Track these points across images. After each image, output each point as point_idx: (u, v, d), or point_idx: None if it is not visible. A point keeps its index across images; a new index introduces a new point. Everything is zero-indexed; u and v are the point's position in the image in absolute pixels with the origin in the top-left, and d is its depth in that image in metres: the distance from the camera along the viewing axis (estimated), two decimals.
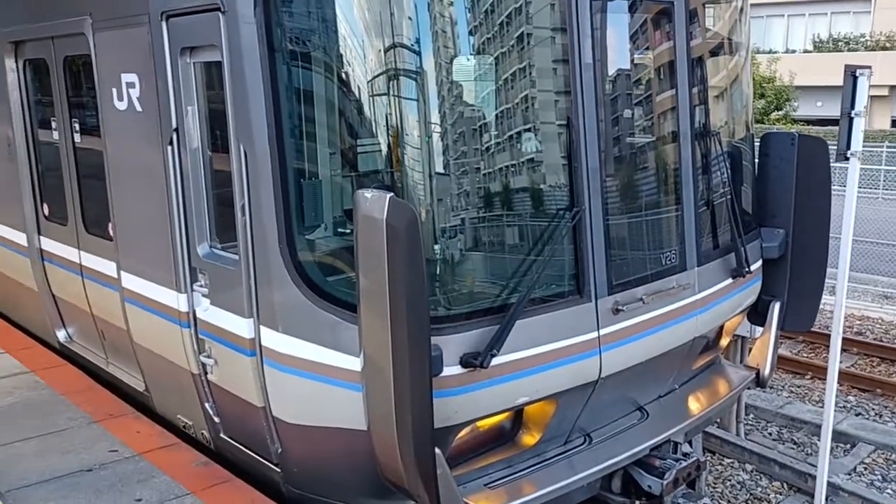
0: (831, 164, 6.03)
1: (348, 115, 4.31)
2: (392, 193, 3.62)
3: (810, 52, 36.02)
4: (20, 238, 6.93)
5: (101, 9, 5.23)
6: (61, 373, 6.58)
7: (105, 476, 4.88)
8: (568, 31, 4.42)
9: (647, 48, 5.08)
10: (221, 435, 5.11)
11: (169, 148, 4.75)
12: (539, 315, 4.37)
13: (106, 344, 6.29)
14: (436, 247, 4.19)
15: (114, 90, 5.18)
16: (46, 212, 6.65)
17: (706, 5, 5.58)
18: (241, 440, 4.95)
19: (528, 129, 4.50)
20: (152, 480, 4.82)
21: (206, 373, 4.97)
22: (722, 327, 5.97)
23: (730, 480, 8.09)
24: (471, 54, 4.35)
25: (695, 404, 5.76)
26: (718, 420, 8.30)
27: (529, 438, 4.77)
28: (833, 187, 6.08)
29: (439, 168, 4.23)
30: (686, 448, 5.72)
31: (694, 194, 5.21)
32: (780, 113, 31.62)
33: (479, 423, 4.50)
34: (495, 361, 4.13)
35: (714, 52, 5.71)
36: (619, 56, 4.86)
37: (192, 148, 4.70)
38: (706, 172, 5.46)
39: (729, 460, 8.41)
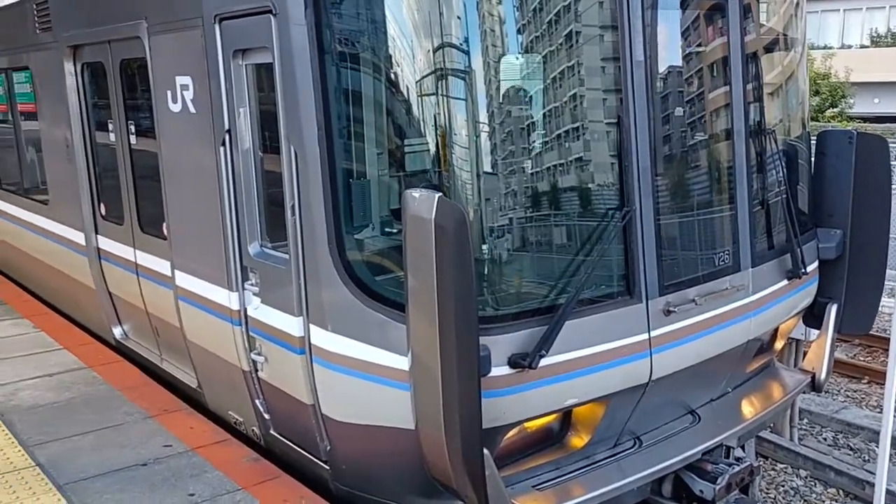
0: (891, 163, 5.84)
1: (397, 115, 4.32)
2: (440, 193, 3.61)
3: (867, 47, 34.92)
4: (78, 237, 7.13)
5: (157, 13, 5.34)
6: (117, 369, 6.75)
7: (159, 470, 4.98)
8: (619, 28, 4.36)
9: (700, 44, 4.98)
10: (271, 431, 5.18)
11: (221, 149, 4.83)
12: (588, 316, 4.32)
13: (160, 341, 6.43)
14: (484, 246, 4.17)
15: (168, 92, 5.29)
16: (103, 211, 6.83)
17: (760, 0, 5.45)
18: (291, 437, 5.01)
19: (578, 128, 4.45)
20: (204, 475, 4.90)
21: (256, 370, 5.04)
22: (776, 330, 5.82)
23: (783, 486, 7.90)
24: (519, 53, 4.32)
25: (748, 408, 5.63)
26: (772, 424, 8.10)
27: (578, 440, 4.72)
28: (893, 186, 5.89)
29: (488, 168, 4.22)
30: (739, 452, 5.59)
31: (748, 193, 5.10)
32: (836, 110, 30.77)
33: (527, 424, 4.47)
34: (544, 362, 4.09)
35: (769, 48, 5.57)
36: (670, 53, 4.78)
37: (244, 149, 4.77)
38: (761, 171, 5.33)
39: (782, 465, 8.21)
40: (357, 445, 4.53)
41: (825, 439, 8.81)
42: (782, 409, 6.34)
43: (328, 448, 4.67)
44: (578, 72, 4.40)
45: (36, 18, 7.24)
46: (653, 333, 4.57)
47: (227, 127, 4.79)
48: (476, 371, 3.73)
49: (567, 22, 4.33)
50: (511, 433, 4.37)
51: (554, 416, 4.56)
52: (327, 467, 4.76)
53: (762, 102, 5.39)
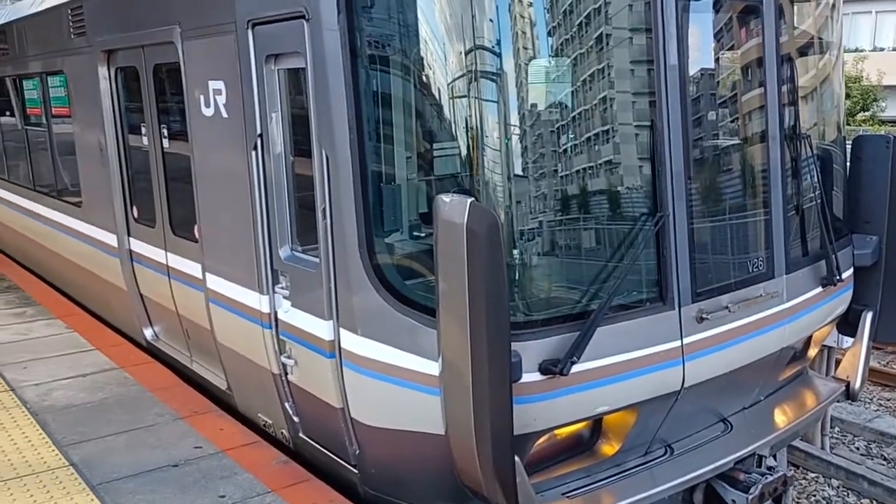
0: None
1: (428, 118, 4.32)
2: (473, 198, 3.60)
3: None
4: (111, 239, 7.21)
5: (190, 18, 5.40)
6: (148, 370, 6.82)
7: (190, 472, 5.02)
8: (653, 31, 4.32)
9: (734, 48, 4.92)
10: (300, 434, 5.19)
11: (253, 153, 4.86)
12: (620, 322, 4.28)
13: (190, 343, 6.49)
14: (515, 251, 4.15)
15: (201, 97, 5.34)
16: (136, 214, 6.91)
17: (795, 2, 5.37)
18: (320, 440, 5.03)
19: (611, 132, 4.41)
20: (235, 477, 4.93)
21: (286, 373, 5.06)
22: (810, 337, 5.73)
23: (815, 496, 7.76)
24: (551, 56, 4.30)
25: (781, 417, 5.55)
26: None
27: (609, 448, 4.67)
28: None
29: (520, 171, 4.20)
30: (771, 462, 5.50)
31: (783, 199, 5.02)
32: (867, 114, 30.25)
33: (557, 431, 4.43)
34: (575, 369, 4.06)
35: (803, 51, 5.50)
36: (704, 57, 4.73)
37: (276, 153, 4.80)
38: (795, 176, 5.25)
39: (813, 475, 8.07)
40: (386, 450, 4.53)
41: (857, 448, 8.65)
42: (816, 418, 6.23)
43: (357, 452, 4.68)
44: (611, 75, 4.37)
45: (71, 23, 7.36)
46: (685, 341, 4.51)
47: (258, 131, 4.82)
48: (507, 377, 3.71)
49: (600, 25, 4.30)
50: (541, 440, 4.34)
51: (584, 423, 4.52)
52: (356, 471, 4.76)
53: (797, 106, 5.32)
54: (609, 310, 4.18)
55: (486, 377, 3.65)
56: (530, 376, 4.02)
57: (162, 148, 6.23)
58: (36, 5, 8.63)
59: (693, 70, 4.62)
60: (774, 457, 5.91)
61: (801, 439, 8.21)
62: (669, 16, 4.36)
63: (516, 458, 3.91)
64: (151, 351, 7.21)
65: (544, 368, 4.04)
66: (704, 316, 4.55)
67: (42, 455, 5.28)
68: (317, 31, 4.18)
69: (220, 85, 5.11)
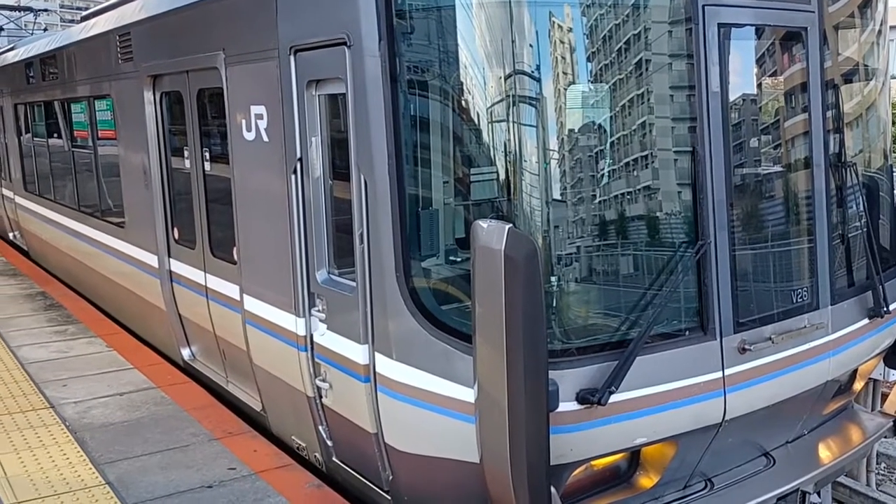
0: None
1: (467, 144, 4.32)
2: (511, 224, 3.58)
3: None
4: (152, 260, 7.33)
5: (234, 44, 5.51)
6: (184, 389, 6.87)
7: (223, 493, 5.01)
8: (695, 58, 4.29)
9: (777, 74, 4.86)
10: (334, 458, 5.17)
11: (293, 177, 4.91)
12: (660, 352, 4.20)
13: (226, 363, 6.53)
14: (553, 278, 4.11)
15: (243, 121, 5.43)
16: (176, 235, 7.02)
17: (839, 28, 5.29)
18: (353, 465, 5.00)
19: (651, 159, 4.37)
20: (268, 500, 4.91)
21: (320, 396, 5.06)
22: (855, 370, 5.56)
23: None
24: (590, 81, 4.29)
25: (825, 452, 5.37)
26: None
27: (647, 481, 4.57)
28: None
29: (560, 198, 4.18)
30: (815, 499, 5.33)
31: (828, 228, 4.91)
32: None
33: (594, 462, 4.35)
34: (613, 399, 3.99)
35: (848, 77, 5.40)
36: (746, 83, 4.67)
37: (315, 177, 4.84)
38: (840, 204, 5.14)
39: None
40: (419, 476, 4.48)
41: None
42: (862, 454, 6.03)
43: (390, 478, 4.64)
44: (651, 101, 4.34)
45: (119, 49, 7.56)
46: (727, 372, 4.41)
47: (298, 155, 4.87)
48: (545, 406, 3.65)
49: (641, 51, 4.28)
50: (578, 470, 4.27)
51: (622, 454, 4.43)
52: (389, 497, 4.72)
53: (842, 133, 5.21)
54: (648, 339, 4.11)
55: (522, 405, 3.60)
56: (567, 405, 3.96)
57: (203, 171, 6.34)
58: (85, 31, 8.90)
59: (735, 96, 4.56)
60: (819, 493, 5.72)
61: (846, 475, 7.94)
62: (712, 42, 4.33)
63: (552, 489, 3.83)
64: (188, 371, 7.27)
65: (582, 398, 3.98)
66: (747, 347, 4.45)
67: (79, 473, 5.34)
68: (358, 57, 4.23)
69: (261, 109, 5.19)
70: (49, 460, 5.53)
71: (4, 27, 24.49)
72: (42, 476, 5.29)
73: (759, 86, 4.79)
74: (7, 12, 25.91)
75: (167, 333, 7.47)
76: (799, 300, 4.79)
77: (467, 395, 4.03)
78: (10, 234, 14.53)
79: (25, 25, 26.31)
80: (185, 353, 7.28)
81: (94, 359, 7.75)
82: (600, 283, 4.27)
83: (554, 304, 4.12)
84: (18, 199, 13.07)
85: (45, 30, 24.64)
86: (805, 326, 4.75)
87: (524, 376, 3.59)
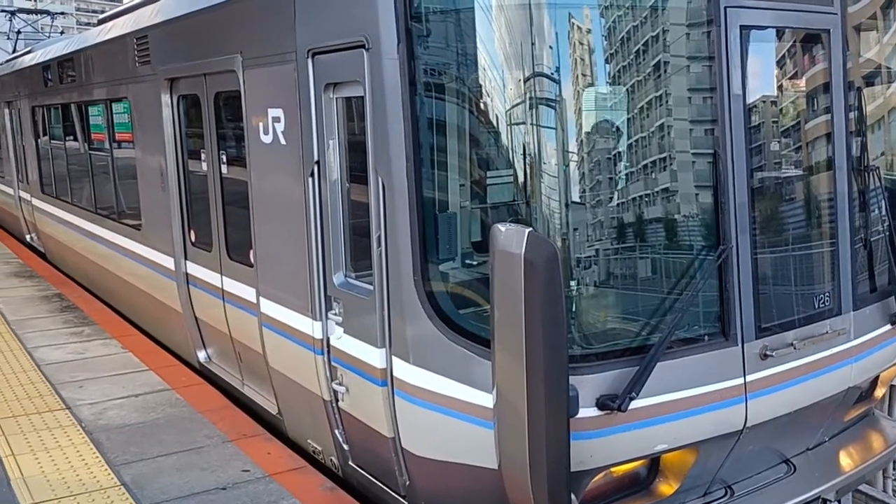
0: None
1: (486, 147, 4.30)
2: (531, 228, 3.55)
3: None
4: (168, 262, 7.35)
5: (252, 47, 5.51)
6: (199, 391, 6.89)
7: (238, 495, 5.01)
8: (717, 60, 4.24)
9: (800, 77, 4.80)
10: (350, 463, 5.15)
11: (310, 179, 4.90)
12: (681, 357, 4.16)
13: (242, 366, 6.53)
14: (573, 282, 4.08)
15: (260, 124, 5.43)
16: (193, 238, 7.03)
17: (861, 30, 5.23)
18: (370, 469, 4.98)
19: (672, 162, 4.33)
20: (281, 502, 4.91)
21: (337, 400, 5.05)
22: (877, 377, 5.49)
23: None
24: (612, 84, 4.25)
25: (846, 459, 5.30)
26: None
27: (667, 488, 4.52)
28: None
29: (580, 201, 4.14)
30: None
31: (850, 232, 4.85)
32: None
33: (613, 469, 4.31)
34: (634, 405, 3.95)
35: (871, 79, 5.33)
36: (769, 86, 4.61)
37: (332, 180, 4.83)
38: (863, 208, 5.07)
39: None
40: (437, 482, 4.45)
41: None
42: (884, 461, 5.94)
43: (407, 483, 4.61)
44: (674, 104, 4.29)
45: (136, 52, 7.59)
46: (748, 378, 4.36)
47: (316, 158, 4.86)
48: (565, 412, 3.62)
49: (661, 52, 4.24)
50: (597, 477, 4.22)
51: (642, 461, 4.38)
52: (406, 502, 4.69)
53: (865, 136, 5.15)
54: (669, 344, 4.07)
55: (542, 411, 3.56)
56: (587, 411, 3.92)
57: (220, 173, 6.34)
58: (103, 34, 8.95)
59: (757, 99, 4.51)
60: (839, 501, 5.65)
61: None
62: (734, 44, 4.28)
63: (572, 496, 3.79)
64: (204, 373, 7.28)
65: (602, 404, 3.94)
66: (768, 353, 4.40)
67: (95, 474, 5.35)
68: (376, 60, 4.21)
69: (279, 112, 5.18)
70: (65, 461, 5.55)
71: (22, 30, 24.72)
72: (58, 477, 5.31)
73: (781, 88, 4.74)
74: (24, 15, 26.15)
75: (183, 336, 7.48)
76: (821, 305, 4.73)
77: (486, 400, 4.00)
78: (27, 237, 14.62)
79: (42, 28, 26.55)
80: (201, 355, 7.28)
81: (109, 360, 7.78)
82: (621, 288, 4.23)
83: (573, 309, 4.08)
84: (35, 202, 13.16)
85: (62, 33, 24.85)
86: (827, 332, 4.70)
87: (544, 382, 3.55)
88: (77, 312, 9.68)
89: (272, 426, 6.11)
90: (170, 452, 5.64)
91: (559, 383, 3.59)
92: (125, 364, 7.65)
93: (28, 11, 26.93)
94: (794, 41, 4.73)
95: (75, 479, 5.27)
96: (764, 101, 4.64)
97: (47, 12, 26.76)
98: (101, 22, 9.91)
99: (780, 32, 4.65)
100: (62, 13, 31.61)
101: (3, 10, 25.80)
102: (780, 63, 4.74)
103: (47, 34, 24.43)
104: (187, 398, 6.69)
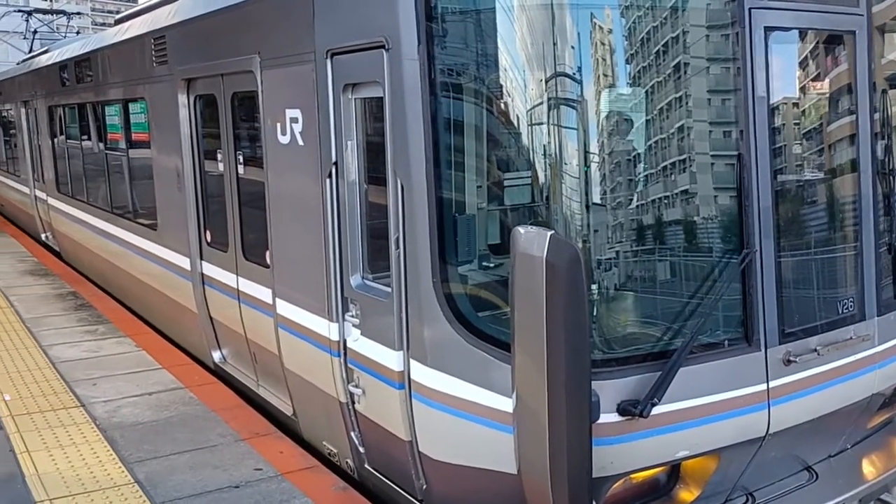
0: None
1: (506, 148, 4.26)
2: (553, 231, 3.50)
3: None
4: (184, 262, 7.35)
5: (270, 48, 5.49)
6: (212, 390, 6.91)
7: (250, 494, 5.02)
8: (741, 62, 4.19)
9: (825, 79, 4.73)
10: (366, 465, 5.12)
11: (328, 180, 4.88)
12: (703, 363, 4.10)
13: (257, 367, 6.52)
14: (594, 286, 4.03)
15: (278, 125, 5.41)
16: (209, 238, 7.02)
17: (886, 32, 5.15)
18: (386, 472, 4.95)
19: (693, 165, 4.27)
20: (293, 501, 4.91)
21: (353, 402, 5.02)
22: None
23: None
24: (635, 85, 4.20)
25: (869, 467, 5.22)
26: None
27: (687, 494, 4.46)
28: None
29: (603, 203, 4.09)
30: None
31: (874, 236, 4.77)
32: None
33: (633, 475, 4.25)
34: (655, 411, 3.89)
35: (894, 82, 5.26)
36: (794, 88, 4.55)
37: (350, 181, 4.81)
38: (888, 213, 5.00)
39: None
40: (454, 486, 4.42)
41: None
42: None
43: (424, 487, 4.57)
44: (690, 104, 4.24)
45: (153, 52, 7.60)
46: (771, 384, 4.30)
47: (333, 159, 4.84)
48: (587, 418, 3.57)
49: (686, 54, 4.19)
50: (616, 484, 4.17)
51: (662, 467, 4.33)
52: None
53: (890, 138, 5.08)
54: (692, 349, 4.01)
55: (563, 417, 3.52)
56: (608, 417, 3.87)
57: (237, 174, 6.33)
58: (120, 34, 8.97)
59: (781, 101, 4.45)
60: None
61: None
62: (758, 46, 4.22)
63: (592, 503, 3.75)
64: (218, 374, 7.27)
65: (623, 409, 3.89)
66: (792, 358, 4.33)
67: (109, 471, 5.36)
68: (396, 61, 4.18)
69: (296, 113, 5.16)
70: (80, 458, 5.57)
71: (38, 30, 24.91)
72: (73, 474, 5.32)
73: (806, 90, 4.68)
74: (40, 15, 26.34)
75: (198, 336, 7.48)
76: (845, 311, 4.66)
77: (505, 404, 3.96)
78: (43, 235, 14.70)
79: (58, 28, 26.74)
80: (216, 355, 7.28)
81: (123, 358, 7.81)
82: (643, 292, 4.18)
83: (594, 313, 4.04)
84: (51, 201, 13.23)
85: (78, 33, 25.01)
86: (851, 338, 4.63)
87: (565, 387, 3.50)
88: (91, 310, 9.72)
89: (286, 428, 6.09)
90: (183, 450, 5.66)
91: (582, 388, 3.54)
92: (139, 362, 7.67)
93: (44, 12, 27.12)
94: (817, 42, 4.67)
95: (89, 477, 5.28)
96: (787, 104, 4.58)
97: (63, 12, 26.95)
98: (117, 22, 9.95)
99: (806, 34, 4.59)
100: (78, 13, 31.83)
101: (19, 11, 26.01)
102: (804, 64, 4.67)
103: (63, 34, 24.60)
104: (200, 397, 6.71)
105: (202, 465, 5.42)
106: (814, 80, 4.72)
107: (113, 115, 9.50)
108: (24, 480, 5.23)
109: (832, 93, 4.76)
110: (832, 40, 4.68)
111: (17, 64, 18.19)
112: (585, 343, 3.55)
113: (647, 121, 4.21)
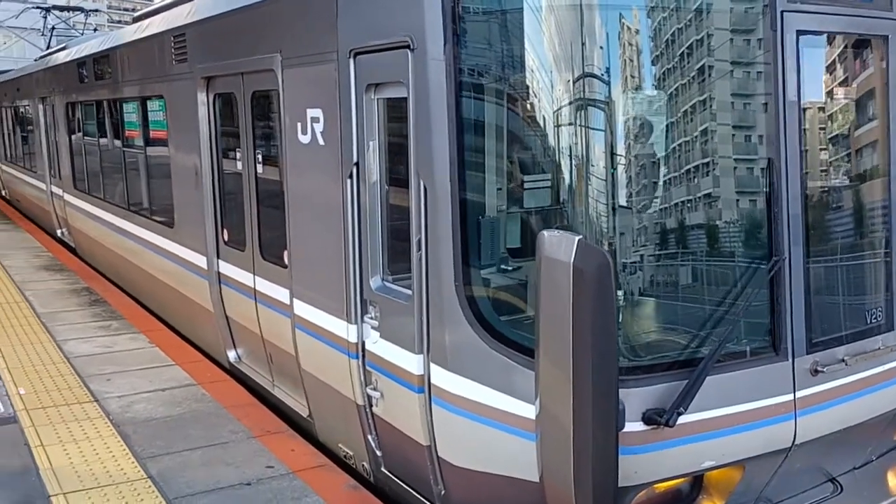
0: None
1: (532, 150, 4.20)
2: (581, 235, 3.43)
3: None
4: (201, 261, 7.32)
5: (292, 46, 5.45)
6: (224, 387, 6.91)
7: (262, 491, 5.01)
8: (773, 66, 4.11)
9: (856, 82, 4.65)
10: (382, 469, 5.07)
11: (349, 181, 4.83)
12: (729, 372, 4.02)
13: (273, 367, 6.48)
14: (620, 292, 3.96)
15: (298, 124, 5.37)
16: (226, 237, 7.00)
17: None
18: (403, 477, 4.89)
19: (723, 170, 4.20)
20: (305, 499, 4.88)
21: (371, 405, 4.97)
22: None
23: None
24: (662, 88, 4.13)
25: (894, 480, 5.13)
26: None
27: None
28: None
29: (629, 206, 4.03)
30: None
31: None
32: None
33: (656, 485, 4.18)
34: (681, 420, 3.82)
35: None
36: (825, 92, 4.47)
37: (371, 182, 4.76)
38: None
39: None
40: (474, 493, 4.35)
41: None
42: None
43: (442, 492, 4.52)
44: (713, 108, 4.17)
45: (173, 50, 7.58)
46: (798, 394, 4.22)
47: (355, 159, 4.79)
48: (614, 427, 3.50)
49: (715, 57, 4.12)
50: (640, 494, 4.10)
51: (685, 477, 4.25)
52: None
53: None
54: (718, 358, 3.94)
55: (589, 425, 3.45)
56: (633, 426, 3.80)
57: (256, 173, 6.30)
58: (139, 31, 8.97)
59: (813, 105, 4.37)
60: None
61: None
62: (790, 50, 4.14)
63: None
64: (234, 373, 7.25)
65: (648, 418, 3.82)
66: (819, 368, 4.25)
67: (122, 466, 5.36)
68: (421, 61, 4.13)
69: (318, 113, 5.12)
70: (93, 453, 5.57)
71: (56, 27, 25.04)
72: (86, 468, 5.33)
73: (836, 94, 4.59)
74: (58, 12, 26.48)
75: (213, 335, 7.45)
76: (873, 321, 4.58)
77: (527, 410, 3.90)
78: (58, 231, 14.75)
79: (74, 25, 26.87)
80: (231, 355, 7.25)
81: (136, 354, 7.83)
82: (670, 299, 4.11)
83: (620, 320, 3.97)
84: (67, 197, 13.27)
85: (95, 30, 25.13)
86: (879, 348, 4.54)
87: (592, 394, 3.43)
88: (105, 306, 9.74)
89: (301, 429, 6.05)
90: (195, 447, 5.65)
91: (608, 396, 3.47)
92: (152, 358, 7.68)
93: (62, 9, 27.25)
94: (846, 46, 4.59)
95: (103, 471, 5.28)
96: (816, 108, 4.50)
97: (81, 9, 27.07)
98: (136, 20, 9.95)
99: (837, 37, 4.51)
100: (96, 10, 32.00)
101: (37, 7, 26.15)
102: (838, 69, 4.59)
103: (80, 31, 24.72)
104: (213, 394, 6.71)
105: (214, 461, 5.41)
106: (847, 84, 4.64)
107: (131, 113, 9.50)
108: (38, 474, 5.24)
109: (860, 97, 4.68)
110: (860, 44, 4.60)
111: (35, 60, 18.29)
112: (613, 350, 3.48)
113: (674, 123, 4.14)
